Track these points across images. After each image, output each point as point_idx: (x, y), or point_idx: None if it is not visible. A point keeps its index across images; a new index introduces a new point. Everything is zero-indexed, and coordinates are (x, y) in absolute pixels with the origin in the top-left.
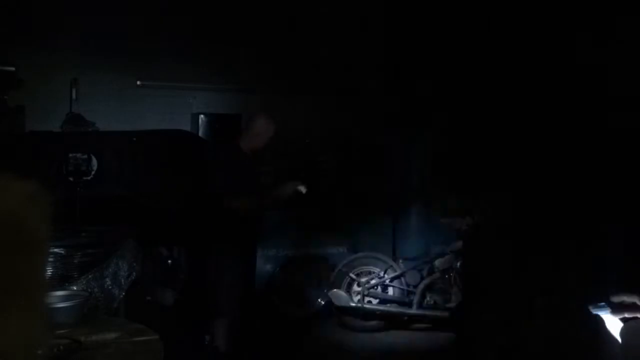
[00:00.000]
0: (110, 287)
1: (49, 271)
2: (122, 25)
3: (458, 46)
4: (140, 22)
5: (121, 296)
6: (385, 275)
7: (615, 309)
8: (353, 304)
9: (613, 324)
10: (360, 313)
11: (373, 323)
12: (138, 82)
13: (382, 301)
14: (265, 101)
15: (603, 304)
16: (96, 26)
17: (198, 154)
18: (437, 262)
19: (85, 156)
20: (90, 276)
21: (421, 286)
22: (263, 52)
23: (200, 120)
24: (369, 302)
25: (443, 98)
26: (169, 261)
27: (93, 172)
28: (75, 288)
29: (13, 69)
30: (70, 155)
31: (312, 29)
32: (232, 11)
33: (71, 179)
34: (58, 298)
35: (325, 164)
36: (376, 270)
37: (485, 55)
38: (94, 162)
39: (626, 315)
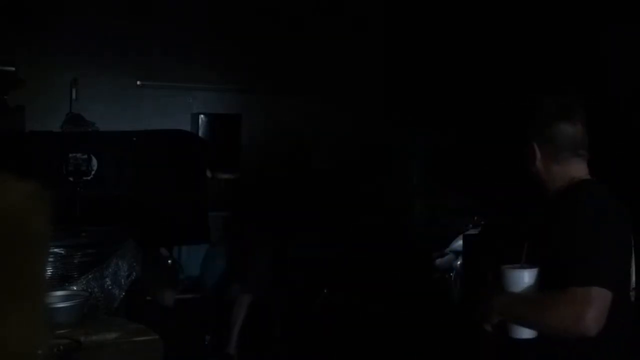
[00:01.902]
0: (110, 287)
1: (49, 271)
2: (122, 25)
3: (458, 45)
4: (140, 22)
5: (121, 296)
6: None
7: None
8: None
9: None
10: None
11: None
12: (138, 82)
13: None
14: (265, 101)
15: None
16: (96, 26)
17: (198, 154)
18: (437, 262)
19: (85, 156)
20: (90, 276)
21: None
22: (263, 52)
23: (200, 120)
24: None
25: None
26: (169, 261)
27: (93, 172)
28: (75, 288)
29: (13, 69)
30: (70, 155)
31: (312, 29)
32: (232, 11)
33: (71, 179)
34: (58, 298)
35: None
36: None
37: (486, 54)
38: (94, 162)
39: None
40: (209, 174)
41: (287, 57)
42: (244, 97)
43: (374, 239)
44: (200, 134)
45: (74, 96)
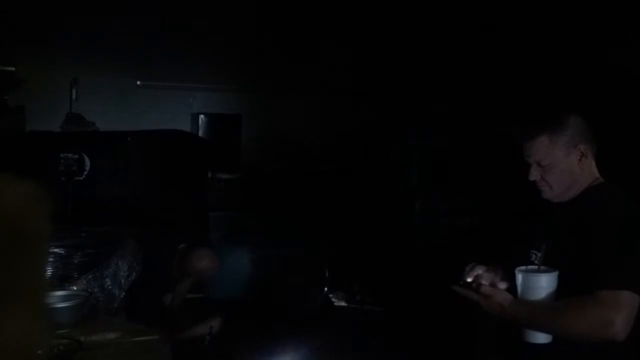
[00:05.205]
0: (110, 287)
1: (49, 271)
2: (122, 25)
3: (459, 45)
4: (140, 22)
5: (121, 296)
6: None
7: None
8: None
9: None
10: None
11: None
12: (138, 82)
13: None
14: (265, 101)
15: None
16: (96, 26)
17: (198, 154)
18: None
19: (77, 156)
20: (90, 276)
21: None
22: (263, 52)
23: (200, 120)
24: None
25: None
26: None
27: (85, 173)
28: (75, 288)
29: (13, 69)
30: (62, 155)
31: (312, 29)
32: (232, 11)
33: (63, 179)
34: (58, 298)
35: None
36: None
37: (488, 53)
38: (87, 162)
39: None
40: (209, 174)
41: (287, 57)
42: (244, 97)
43: (374, 238)
44: (200, 134)
45: (74, 96)
